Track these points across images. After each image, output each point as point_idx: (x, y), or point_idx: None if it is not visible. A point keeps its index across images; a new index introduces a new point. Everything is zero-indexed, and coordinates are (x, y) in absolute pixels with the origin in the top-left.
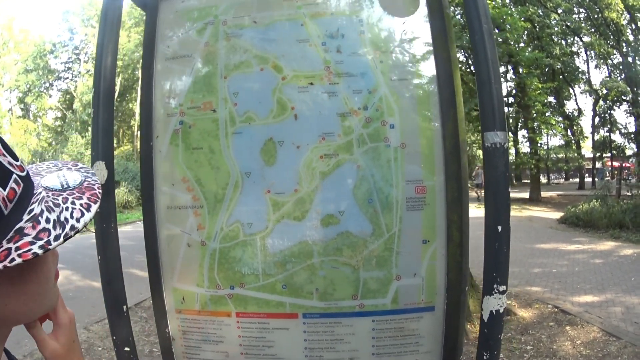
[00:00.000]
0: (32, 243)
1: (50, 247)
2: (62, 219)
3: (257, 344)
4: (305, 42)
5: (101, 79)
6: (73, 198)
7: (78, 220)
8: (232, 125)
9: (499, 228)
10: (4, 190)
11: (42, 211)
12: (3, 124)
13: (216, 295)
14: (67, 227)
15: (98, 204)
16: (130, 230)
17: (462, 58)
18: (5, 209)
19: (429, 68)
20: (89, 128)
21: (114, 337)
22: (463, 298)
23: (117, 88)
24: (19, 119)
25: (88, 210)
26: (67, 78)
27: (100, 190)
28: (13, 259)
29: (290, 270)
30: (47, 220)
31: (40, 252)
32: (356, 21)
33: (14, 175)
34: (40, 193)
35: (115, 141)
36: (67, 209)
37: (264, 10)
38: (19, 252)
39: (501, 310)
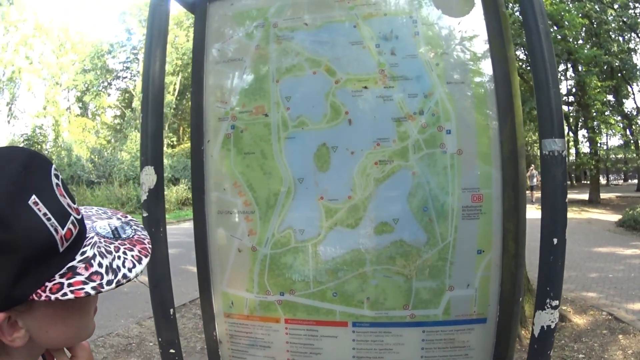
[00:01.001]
0: (84, 283)
1: (102, 290)
2: (114, 266)
3: (305, 350)
4: (358, 44)
5: (149, 84)
6: (125, 249)
7: (130, 270)
8: (285, 130)
9: (555, 240)
10: (63, 229)
11: (94, 255)
12: (61, 122)
13: (265, 301)
14: (120, 275)
15: (148, 257)
16: (189, 227)
17: (522, 56)
18: (61, 247)
19: (485, 70)
20: None
21: (160, 339)
22: (516, 310)
23: (177, 86)
24: (77, 117)
25: (139, 262)
26: (126, 77)
27: (150, 245)
28: (65, 294)
29: (341, 279)
30: (100, 265)
31: (92, 292)
32: (410, 22)
33: (72, 217)
34: (92, 237)
35: (175, 139)
36: (119, 257)
37: (315, 12)
38: (72, 288)
39: (552, 326)
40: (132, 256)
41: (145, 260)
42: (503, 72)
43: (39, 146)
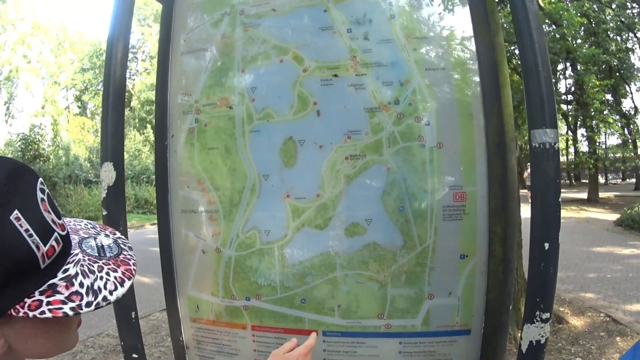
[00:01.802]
0: (64, 302)
1: (81, 311)
2: (95, 287)
3: None
4: (328, 29)
5: (110, 79)
6: (108, 269)
7: (111, 293)
8: (250, 122)
9: (546, 245)
10: (45, 246)
11: (77, 274)
12: (60, 121)
13: (231, 306)
14: (100, 297)
15: (132, 280)
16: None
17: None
18: (42, 264)
19: (469, 56)
20: (147, 125)
21: (122, 344)
22: (504, 321)
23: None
24: (76, 117)
25: (122, 285)
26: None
27: (135, 267)
28: (43, 312)
29: (310, 284)
30: (81, 285)
31: (71, 313)
32: (385, 4)
33: (56, 234)
34: (77, 254)
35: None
36: (101, 278)
37: None
38: (50, 307)
39: (542, 341)
40: (115, 277)
41: (128, 283)
42: (489, 58)
43: (36, 145)
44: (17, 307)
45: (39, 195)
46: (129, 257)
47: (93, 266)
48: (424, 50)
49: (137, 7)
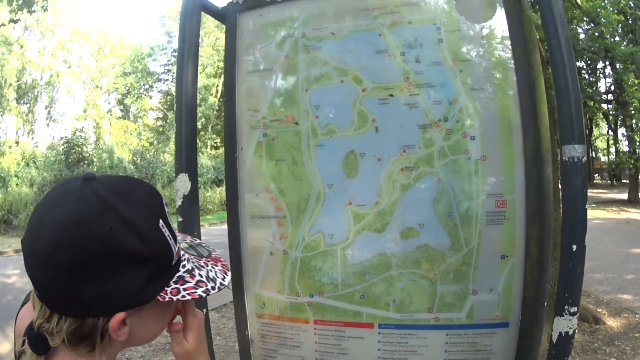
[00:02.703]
0: (194, 288)
1: (210, 293)
2: (210, 276)
3: (332, 350)
4: (384, 52)
5: (182, 95)
6: (211, 264)
7: (223, 279)
8: (314, 137)
9: (574, 247)
10: (176, 247)
11: (193, 268)
12: (102, 125)
13: (296, 302)
14: (217, 282)
15: (230, 274)
16: None
17: None
18: (174, 261)
19: (509, 75)
20: None
21: None
22: (539, 315)
23: (219, 88)
24: (119, 120)
25: (226, 274)
26: (167, 80)
27: (227, 264)
28: (184, 296)
29: (368, 281)
30: (200, 275)
31: (203, 295)
32: (434, 29)
33: (178, 238)
34: (185, 255)
35: (219, 140)
36: (211, 270)
37: (341, 21)
38: (188, 292)
39: (570, 332)
40: (219, 270)
41: (229, 274)
42: (527, 78)
43: (80, 149)
44: (162, 294)
45: (165, 208)
46: (218, 256)
47: (200, 262)
48: (469, 71)
49: (177, 11)
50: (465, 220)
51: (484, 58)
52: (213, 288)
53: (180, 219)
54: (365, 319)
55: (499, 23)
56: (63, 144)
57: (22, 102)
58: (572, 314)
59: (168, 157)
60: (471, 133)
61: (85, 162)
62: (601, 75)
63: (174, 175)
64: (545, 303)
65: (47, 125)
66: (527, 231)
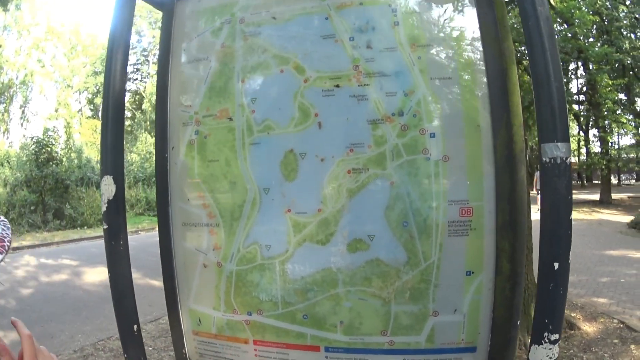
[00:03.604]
0: None
1: None
2: None
3: None
4: (330, 37)
5: (110, 91)
6: None
7: None
8: (250, 135)
9: (556, 265)
10: None
11: None
12: (73, 124)
13: (233, 320)
14: None
15: (4, 255)
16: None
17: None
18: None
19: (477, 64)
20: None
21: (125, 356)
22: (512, 337)
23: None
24: (89, 119)
25: None
26: (136, 79)
27: (9, 243)
28: None
29: (312, 300)
30: None
31: None
32: (389, 11)
33: None
34: None
35: None
36: None
37: (284, 3)
38: None
39: None
40: None
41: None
42: (498, 67)
43: (49, 148)
44: None
45: None
46: (4, 234)
47: None
48: (429, 58)
49: (147, 10)
50: (423, 231)
51: (447, 43)
52: None
53: (105, 226)
54: (309, 341)
55: (465, 4)
56: (34, 144)
57: None
58: (553, 342)
59: (135, 157)
60: (431, 130)
61: (55, 162)
62: (573, 76)
63: (140, 175)
64: (519, 322)
65: (22, 124)
66: (497, 243)
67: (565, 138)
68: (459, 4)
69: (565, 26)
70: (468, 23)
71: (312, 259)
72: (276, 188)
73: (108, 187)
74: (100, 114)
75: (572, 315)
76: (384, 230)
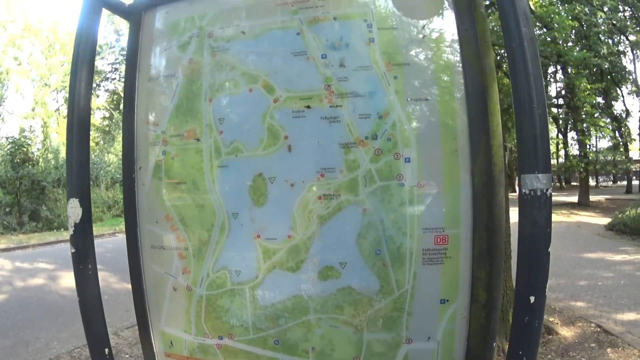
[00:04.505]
0: None
1: None
2: None
3: None
4: (301, 55)
5: (74, 106)
6: None
7: None
8: (218, 157)
9: (532, 299)
10: None
11: None
12: (50, 124)
13: (204, 344)
14: None
15: None
16: None
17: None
18: None
19: (455, 83)
20: None
21: None
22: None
23: None
24: (66, 119)
25: None
26: (114, 79)
27: None
28: None
29: (283, 326)
30: None
31: None
32: (364, 26)
33: None
34: None
35: None
36: None
37: (254, 17)
38: None
39: None
40: None
41: None
42: (477, 85)
43: (25, 149)
44: None
45: None
46: None
47: None
48: (406, 78)
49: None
50: (396, 259)
51: (425, 61)
52: None
53: (73, 250)
54: None
55: (445, 20)
56: (9, 144)
57: None
58: None
59: (113, 157)
60: (406, 154)
61: (31, 162)
62: (552, 79)
63: (118, 176)
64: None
65: None
66: (473, 272)
67: (547, 169)
68: (439, 19)
69: (545, 30)
70: (447, 39)
71: (282, 285)
72: (245, 213)
73: (74, 210)
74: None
75: (551, 320)
76: (356, 258)
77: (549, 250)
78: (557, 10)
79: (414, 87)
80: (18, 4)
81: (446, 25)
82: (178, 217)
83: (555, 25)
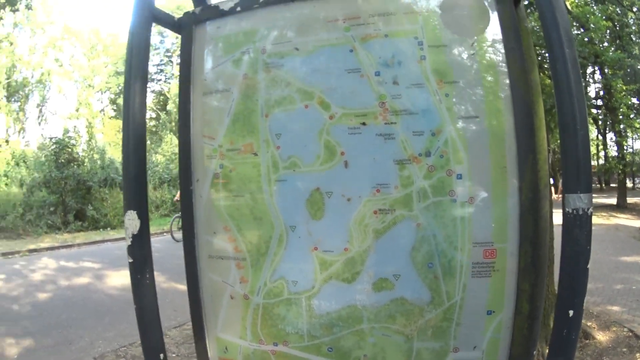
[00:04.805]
0: None
1: None
2: None
3: None
4: (355, 72)
5: (130, 120)
6: None
7: None
8: (275, 171)
9: (571, 313)
10: None
11: None
12: (95, 124)
13: (259, 350)
14: None
15: None
16: None
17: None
18: None
19: (503, 101)
20: None
21: None
22: None
23: None
24: (112, 119)
25: None
26: (160, 80)
27: None
28: None
29: (337, 334)
30: None
31: None
32: (415, 44)
33: None
34: None
35: None
36: None
37: (307, 34)
38: None
39: None
40: None
41: None
42: (524, 103)
43: (70, 149)
44: None
45: None
46: None
47: None
48: (457, 95)
49: (170, 10)
50: (447, 272)
51: (474, 79)
52: None
53: (130, 260)
54: None
55: (491, 37)
56: (53, 144)
57: (12, 100)
58: None
59: (160, 157)
60: (458, 171)
61: (76, 162)
62: (591, 80)
63: (166, 176)
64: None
65: (39, 124)
66: (518, 285)
67: (588, 188)
68: (486, 36)
69: (582, 30)
70: (494, 56)
71: (337, 295)
72: (303, 226)
73: (132, 222)
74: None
75: (588, 324)
76: (409, 271)
77: (588, 267)
78: (591, 10)
79: (464, 104)
80: (56, 6)
81: (493, 42)
82: (236, 228)
83: (591, 25)
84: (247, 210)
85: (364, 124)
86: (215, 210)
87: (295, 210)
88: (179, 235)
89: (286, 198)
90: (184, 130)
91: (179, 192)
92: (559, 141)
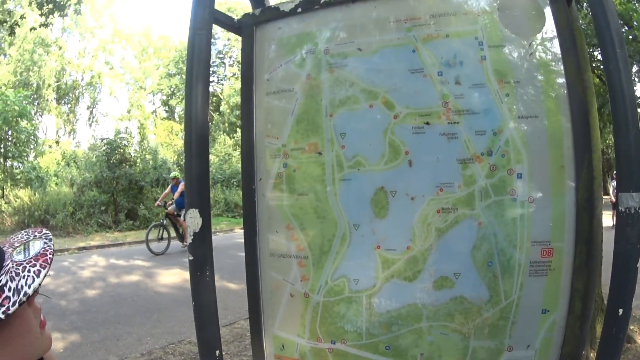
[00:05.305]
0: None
1: (9, 312)
2: (18, 286)
3: None
4: (418, 72)
5: (192, 121)
6: (30, 266)
7: (29, 287)
8: (340, 170)
9: (620, 311)
10: None
11: (7, 281)
12: (147, 125)
13: (316, 348)
14: (21, 294)
15: (47, 268)
16: None
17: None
18: None
19: (561, 101)
20: (237, 129)
21: None
22: None
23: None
24: (164, 121)
25: (38, 276)
26: (213, 81)
27: (52, 256)
28: None
29: (395, 333)
30: (9, 289)
31: (2, 316)
32: (475, 44)
33: None
34: (7, 265)
35: None
36: (24, 277)
37: (369, 34)
38: None
39: None
40: (34, 271)
41: (43, 272)
42: (581, 102)
43: (122, 150)
44: None
45: None
46: (47, 247)
47: (18, 269)
48: (517, 95)
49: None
50: (506, 270)
51: (533, 79)
52: (14, 304)
53: (191, 258)
54: None
55: (548, 36)
56: (104, 145)
57: (62, 102)
58: None
59: (213, 158)
60: (518, 170)
61: (128, 163)
62: (636, 78)
63: (218, 176)
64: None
65: (89, 125)
66: (572, 283)
67: None
68: (543, 35)
69: (627, 28)
70: (551, 56)
71: (398, 294)
72: (366, 224)
73: (194, 219)
74: (175, 115)
75: (630, 327)
76: (470, 269)
77: (638, 265)
78: (634, 7)
79: (524, 104)
80: (105, 11)
81: (549, 41)
82: (299, 227)
83: (635, 23)
84: (311, 209)
85: (427, 123)
86: (277, 209)
87: (360, 209)
88: (155, 245)
89: (350, 197)
90: (246, 130)
91: (161, 197)
92: (607, 141)
